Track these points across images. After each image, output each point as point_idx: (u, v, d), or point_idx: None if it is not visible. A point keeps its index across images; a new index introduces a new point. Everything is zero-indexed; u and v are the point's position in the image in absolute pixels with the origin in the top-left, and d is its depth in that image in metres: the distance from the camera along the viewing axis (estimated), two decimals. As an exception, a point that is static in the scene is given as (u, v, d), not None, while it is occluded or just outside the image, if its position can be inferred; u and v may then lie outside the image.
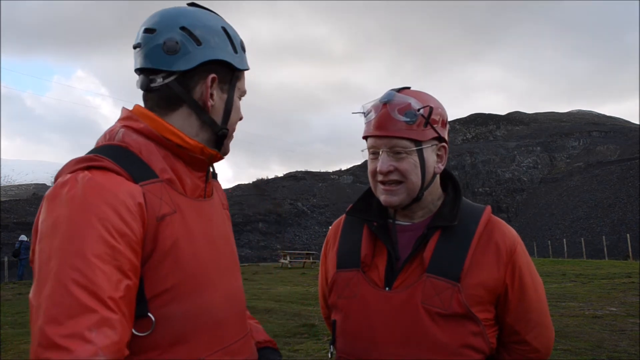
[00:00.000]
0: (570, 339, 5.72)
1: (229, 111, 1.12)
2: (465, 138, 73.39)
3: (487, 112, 79.64)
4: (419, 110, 1.16)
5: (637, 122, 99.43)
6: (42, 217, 0.88)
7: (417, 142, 1.17)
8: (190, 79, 1.05)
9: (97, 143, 1.03)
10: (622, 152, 56.34)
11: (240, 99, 1.16)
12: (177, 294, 0.95)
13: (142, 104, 1.10)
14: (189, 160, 1.05)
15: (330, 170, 66.12)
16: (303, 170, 63.42)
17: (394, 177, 1.17)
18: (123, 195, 0.90)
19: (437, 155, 1.22)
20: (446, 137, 1.23)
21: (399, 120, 1.15)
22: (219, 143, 1.12)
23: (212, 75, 1.07)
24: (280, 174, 64.51)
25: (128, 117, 1.05)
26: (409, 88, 1.24)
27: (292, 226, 49.61)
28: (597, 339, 5.75)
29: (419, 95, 1.21)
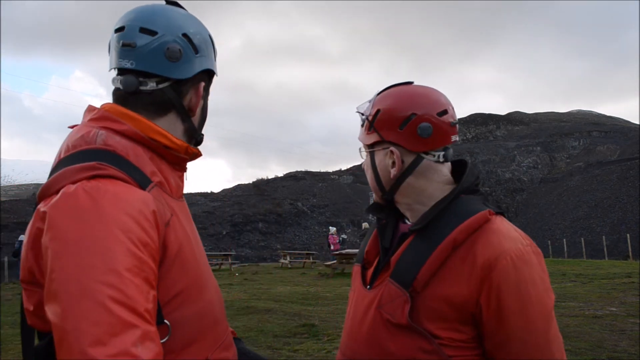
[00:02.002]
0: (570, 339, 5.72)
1: (205, 116, 1.15)
2: (465, 138, 73.36)
3: (486, 112, 79.62)
4: (362, 114, 1.22)
5: (637, 122, 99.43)
6: (53, 233, 0.81)
7: (369, 145, 1.21)
8: (184, 86, 1.06)
9: (74, 146, 0.95)
10: (622, 152, 56.31)
11: None
12: (187, 297, 0.95)
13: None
14: (172, 160, 1.05)
15: (330, 170, 66.11)
16: (303, 170, 63.38)
17: None
18: (139, 204, 0.87)
19: (393, 160, 1.15)
20: (402, 141, 1.14)
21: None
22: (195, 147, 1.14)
23: (203, 83, 1.09)
24: (280, 174, 64.50)
25: (106, 118, 0.99)
26: (411, 83, 1.22)
27: (292, 226, 49.55)
28: (597, 339, 5.75)
29: (385, 96, 1.19)
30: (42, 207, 0.86)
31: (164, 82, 1.02)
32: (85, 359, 0.73)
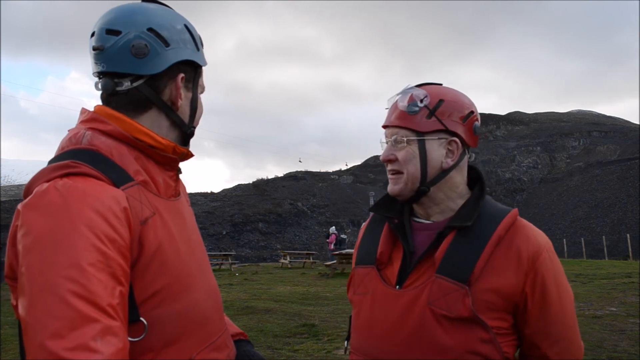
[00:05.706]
0: (570, 339, 5.71)
1: (195, 109, 1.13)
2: (465, 138, 73.21)
3: (486, 112, 79.56)
4: (421, 101, 1.18)
5: (637, 122, 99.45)
6: (24, 229, 0.84)
7: (419, 133, 1.18)
8: (159, 81, 1.04)
9: (62, 147, 0.99)
10: (622, 152, 56.31)
11: (200, 95, 1.16)
12: (166, 296, 0.95)
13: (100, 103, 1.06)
14: (160, 160, 1.04)
15: (330, 170, 66.08)
16: (303, 170, 63.37)
17: (394, 166, 1.20)
18: (108, 201, 0.88)
19: (448, 150, 1.19)
20: (462, 134, 1.19)
21: (402, 111, 1.19)
22: (186, 141, 1.13)
23: (182, 75, 1.06)
24: (280, 174, 64.53)
25: (93, 119, 1.01)
26: (440, 84, 1.25)
27: (292, 226, 49.54)
28: (597, 339, 5.75)
29: (438, 89, 1.22)
30: (19, 205, 0.89)
31: (137, 80, 1.02)
32: (43, 352, 0.74)
